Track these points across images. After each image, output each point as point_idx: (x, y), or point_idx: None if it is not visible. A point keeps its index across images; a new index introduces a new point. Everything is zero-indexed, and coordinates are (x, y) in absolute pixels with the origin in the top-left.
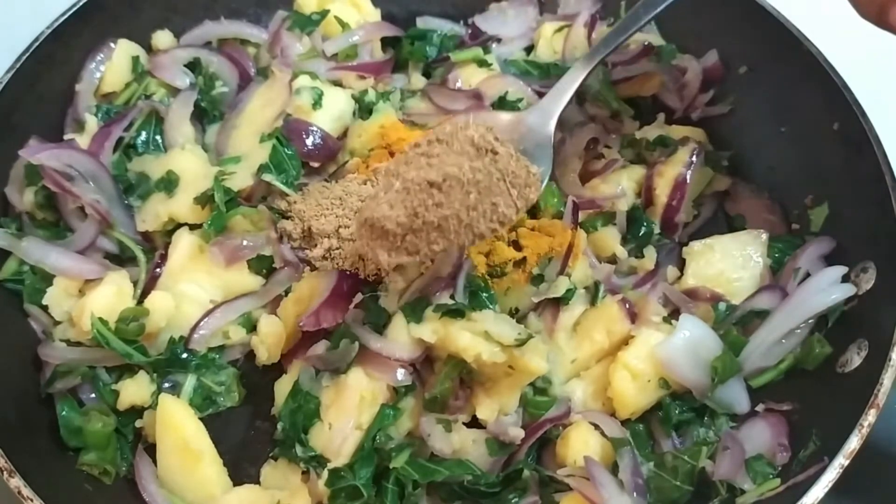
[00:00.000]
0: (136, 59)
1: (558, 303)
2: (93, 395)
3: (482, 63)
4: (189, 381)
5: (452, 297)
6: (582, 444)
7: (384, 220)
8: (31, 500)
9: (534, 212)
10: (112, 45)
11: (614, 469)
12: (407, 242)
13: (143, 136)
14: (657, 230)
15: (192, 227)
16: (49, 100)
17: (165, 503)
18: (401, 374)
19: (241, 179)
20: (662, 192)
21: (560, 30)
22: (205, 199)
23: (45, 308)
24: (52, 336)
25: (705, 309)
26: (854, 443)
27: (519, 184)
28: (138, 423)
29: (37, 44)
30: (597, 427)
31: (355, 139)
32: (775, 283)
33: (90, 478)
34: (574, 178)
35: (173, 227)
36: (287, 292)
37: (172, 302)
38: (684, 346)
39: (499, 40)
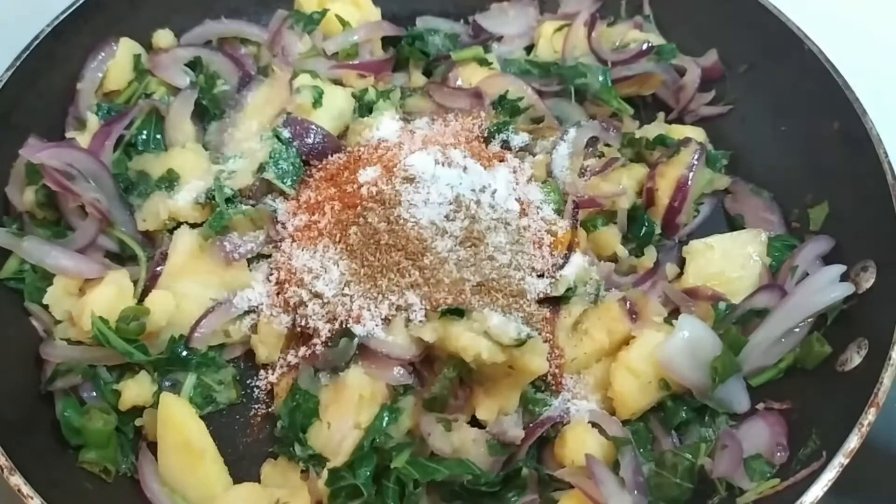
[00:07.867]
0: (137, 58)
1: (558, 302)
2: (93, 394)
3: (482, 62)
4: (189, 380)
5: None
6: (579, 444)
7: None
8: (32, 499)
9: None
10: (113, 43)
11: (613, 468)
12: None
13: (144, 134)
14: (658, 230)
15: (193, 225)
16: (49, 98)
17: (168, 501)
18: (400, 374)
19: (241, 178)
20: (664, 192)
21: (560, 29)
22: (205, 198)
23: (45, 307)
24: (52, 335)
25: (705, 308)
26: (854, 442)
27: None
28: (138, 422)
29: (37, 42)
30: (594, 426)
31: (355, 138)
32: (774, 283)
33: (90, 476)
34: (574, 177)
35: (174, 225)
36: None
37: (173, 301)
38: (684, 346)
39: (499, 39)
